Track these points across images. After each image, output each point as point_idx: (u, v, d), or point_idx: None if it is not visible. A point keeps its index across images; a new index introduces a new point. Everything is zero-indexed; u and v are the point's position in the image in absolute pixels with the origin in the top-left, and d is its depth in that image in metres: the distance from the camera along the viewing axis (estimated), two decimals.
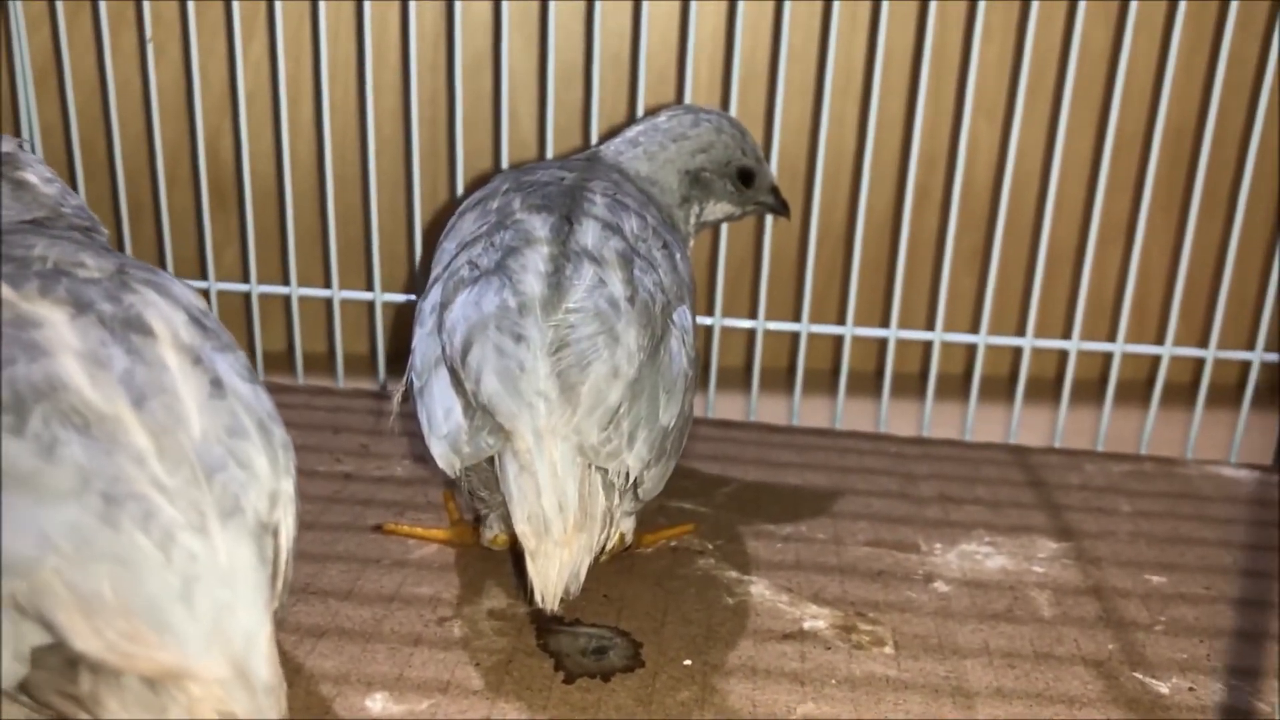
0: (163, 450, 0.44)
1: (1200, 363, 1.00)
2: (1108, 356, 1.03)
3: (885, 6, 0.93)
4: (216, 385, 0.48)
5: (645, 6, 0.93)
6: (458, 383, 0.63)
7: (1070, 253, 1.13)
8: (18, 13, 0.98)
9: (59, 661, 0.42)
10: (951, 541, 0.80)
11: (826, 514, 0.84)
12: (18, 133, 1.01)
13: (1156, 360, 1.00)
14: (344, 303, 1.09)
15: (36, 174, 0.61)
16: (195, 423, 0.46)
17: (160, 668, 0.41)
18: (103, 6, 0.95)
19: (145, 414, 0.45)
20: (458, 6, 0.96)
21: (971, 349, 1.13)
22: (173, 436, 0.45)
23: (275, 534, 0.47)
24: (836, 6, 0.93)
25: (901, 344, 1.13)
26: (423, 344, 0.67)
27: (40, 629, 0.42)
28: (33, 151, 1.01)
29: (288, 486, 0.48)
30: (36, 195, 0.60)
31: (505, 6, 0.96)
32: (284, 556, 0.47)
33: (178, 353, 0.48)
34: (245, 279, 1.04)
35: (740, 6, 0.93)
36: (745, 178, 0.84)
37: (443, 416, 0.64)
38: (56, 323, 0.46)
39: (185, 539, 0.43)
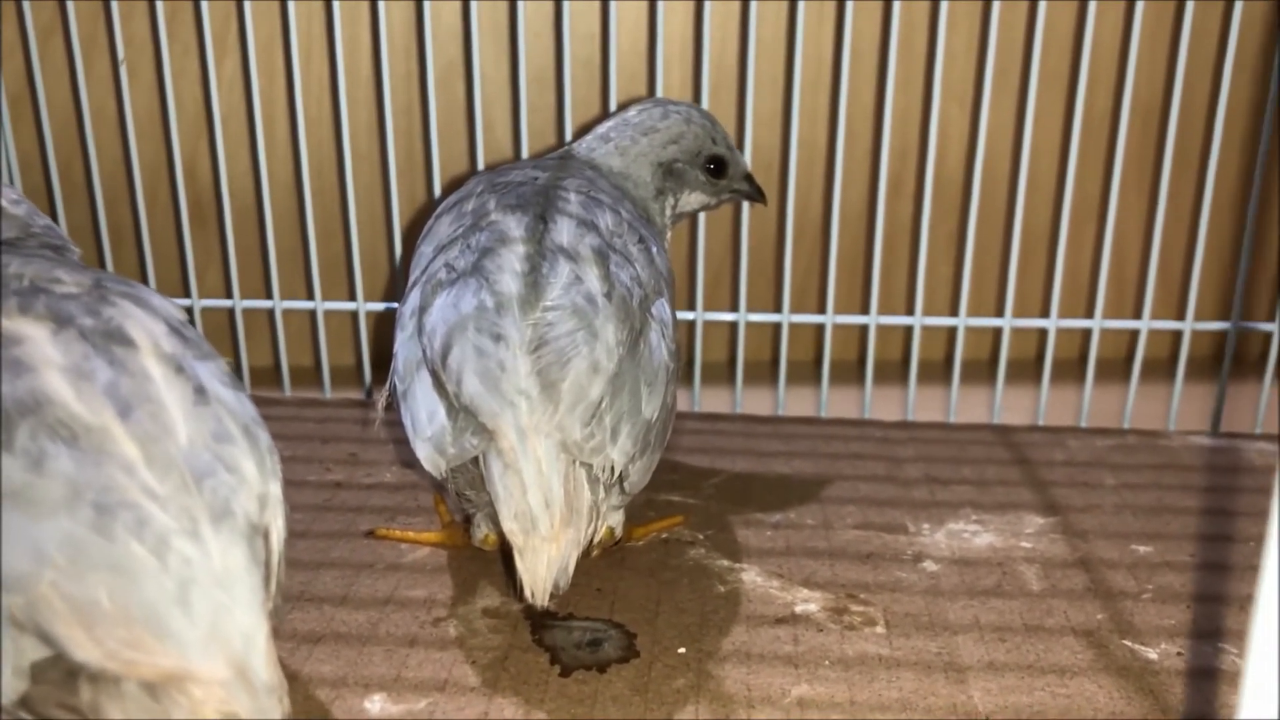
0: (151, 458, 0.45)
1: (1178, 335, 1.02)
2: (1087, 333, 1.04)
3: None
4: (200, 393, 0.48)
5: (613, 8, 0.94)
6: (439, 385, 0.64)
7: (1045, 233, 1.14)
8: None
9: (59, 674, 0.43)
10: (939, 521, 0.81)
11: (815, 500, 0.84)
12: None
13: (1135, 335, 1.01)
14: (327, 314, 1.09)
15: (3, 196, 0.61)
16: (181, 430, 0.46)
17: (161, 672, 0.42)
18: (74, 31, 0.95)
19: (132, 424, 0.45)
20: (427, 16, 0.97)
21: (952, 332, 1.14)
22: (160, 445, 0.45)
23: (266, 536, 0.47)
24: (801, 3, 0.94)
25: (882, 330, 1.14)
26: (404, 348, 0.68)
27: (39, 643, 0.42)
28: (10, 179, 1.02)
29: (276, 489, 0.49)
30: (5, 216, 0.60)
31: (475, 14, 0.96)
32: (275, 558, 0.48)
33: (160, 362, 0.48)
34: (228, 296, 1.04)
35: (707, 5, 0.94)
36: (718, 166, 0.84)
37: (426, 419, 0.64)
38: (38, 339, 0.47)
39: (179, 544, 0.43)
